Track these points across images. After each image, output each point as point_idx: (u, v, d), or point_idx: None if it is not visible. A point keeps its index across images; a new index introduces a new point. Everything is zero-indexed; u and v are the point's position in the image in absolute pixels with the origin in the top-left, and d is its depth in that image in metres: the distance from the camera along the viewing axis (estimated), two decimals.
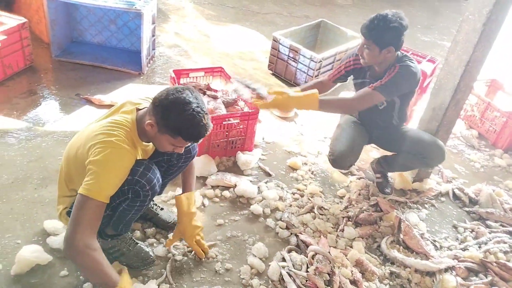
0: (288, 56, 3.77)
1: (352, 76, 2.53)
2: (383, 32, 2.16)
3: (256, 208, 2.41)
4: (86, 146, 1.61)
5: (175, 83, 2.92)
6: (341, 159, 2.44)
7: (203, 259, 2.06)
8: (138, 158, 1.71)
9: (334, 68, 2.60)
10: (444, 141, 2.76)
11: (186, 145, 1.75)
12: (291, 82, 3.85)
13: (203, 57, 4.08)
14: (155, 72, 3.66)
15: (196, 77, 3.11)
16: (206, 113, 1.63)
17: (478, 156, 3.34)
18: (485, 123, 3.58)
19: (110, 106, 1.67)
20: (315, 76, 3.66)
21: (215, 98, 2.88)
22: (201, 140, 1.71)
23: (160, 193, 2.15)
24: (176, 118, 1.58)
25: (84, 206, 1.51)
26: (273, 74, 3.99)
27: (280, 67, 3.90)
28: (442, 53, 4.67)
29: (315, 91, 2.19)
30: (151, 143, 1.80)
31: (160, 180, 1.78)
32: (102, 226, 1.75)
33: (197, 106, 1.59)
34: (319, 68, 3.65)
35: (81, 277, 1.88)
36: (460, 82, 2.46)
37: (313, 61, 3.59)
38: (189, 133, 1.62)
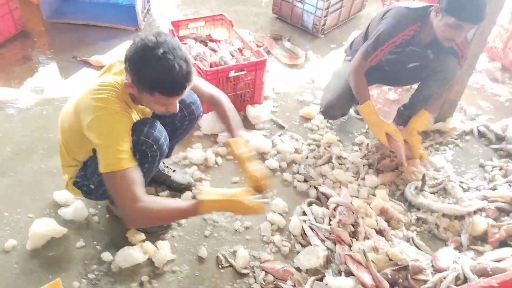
0: None
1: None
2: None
3: (272, 162, 2.30)
4: (77, 115, 1.48)
5: (174, 36, 2.72)
6: (330, 109, 2.42)
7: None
8: (135, 118, 1.56)
9: (374, 50, 2.13)
10: (467, 76, 2.57)
11: (175, 101, 1.46)
12: (298, 25, 3.61)
13: (201, 6, 3.82)
14: (152, 26, 3.45)
15: (197, 27, 2.91)
16: (182, 57, 1.35)
17: (503, 89, 3.13)
18: (508, 54, 3.34)
19: None
20: (324, 17, 3.41)
21: (215, 50, 2.70)
22: (185, 92, 1.42)
23: (168, 155, 2.03)
24: (145, 72, 1.34)
25: (115, 182, 1.41)
26: (278, 18, 3.73)
27: (286, 10, 3.65)
28: None
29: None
30: None
31: (168, 139, 1.64)
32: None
33: (166, 52, 1.32)
34: (328, 8, 3.39)
35: (97, 246, 1.83)
36: None
37: (321, 0, 3.32)
38: (164, 86, 1.37)
